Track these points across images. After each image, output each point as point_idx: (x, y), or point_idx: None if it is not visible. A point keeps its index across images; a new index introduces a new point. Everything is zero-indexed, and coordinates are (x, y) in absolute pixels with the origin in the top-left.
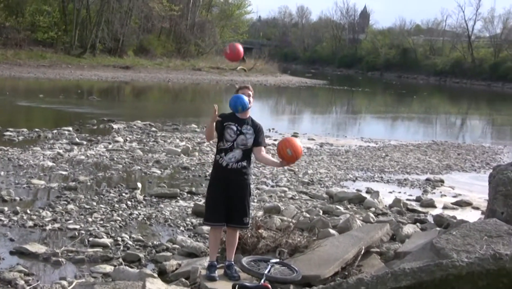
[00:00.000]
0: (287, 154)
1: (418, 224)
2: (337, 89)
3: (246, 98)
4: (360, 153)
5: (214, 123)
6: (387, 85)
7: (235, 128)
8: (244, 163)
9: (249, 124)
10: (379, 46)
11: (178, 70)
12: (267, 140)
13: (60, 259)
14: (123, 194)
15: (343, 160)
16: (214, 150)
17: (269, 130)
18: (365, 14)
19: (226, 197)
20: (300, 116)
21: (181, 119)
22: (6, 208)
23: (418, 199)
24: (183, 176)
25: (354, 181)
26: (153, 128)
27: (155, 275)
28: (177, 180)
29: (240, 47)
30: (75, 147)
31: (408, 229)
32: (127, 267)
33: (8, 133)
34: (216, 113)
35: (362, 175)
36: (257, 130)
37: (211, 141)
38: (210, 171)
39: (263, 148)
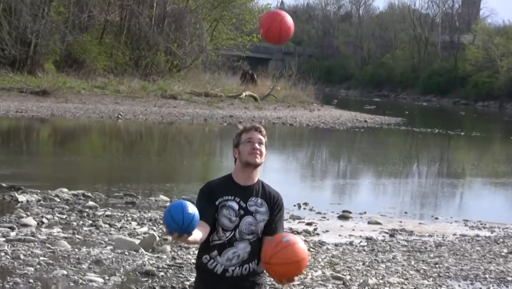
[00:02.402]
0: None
1: None
2: (420, 132)
3: (189, 208)
4: (463, 247)
5: (193, 236)
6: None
7: (236, 206)
8: (253, 265)
9: (260, 194)
10: (498, 56)
11: (136, 99)
12: (294, 225)
13: None
14: None
15: (431, 260)
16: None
17: (298, 206)
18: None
19: None
20: (354, 181)
21: (141, 186)
22: None
23: None
24: (143, 288)
25: None
26: (90, 203)
27: None
28: None
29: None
30: None
31: None
32: None
33: None
34: (173, 235)
35: (467, 288)
36: (274, 205)
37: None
38: (192, 280)
39: None
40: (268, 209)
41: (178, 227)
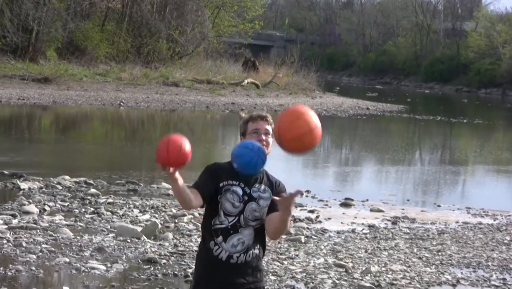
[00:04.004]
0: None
1: None
2: (423, 120)
3: (263, 150)
4: (465, 235)
5: (180, 183)
6: None
7: (240, 192)
8: (257, 251)
9: (264, 182)
10: (500, 44)
11: (138, 86)
12: (296, 212)
13: None
14: None
15: (434, 247)
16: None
17: (300, 194)
18: None
19: None
20: (357, 169)
21: (143, 174)
22: None
23: None
24: (145, 276)
25: (454, 285)
26: (92, 190)
27: None
28: (135, 283)
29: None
30: None
31: None
32: None
33: None
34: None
35: (469, 275)
36: (278, 189)
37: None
38: (193, 267)
39: None
40: (271, 194)
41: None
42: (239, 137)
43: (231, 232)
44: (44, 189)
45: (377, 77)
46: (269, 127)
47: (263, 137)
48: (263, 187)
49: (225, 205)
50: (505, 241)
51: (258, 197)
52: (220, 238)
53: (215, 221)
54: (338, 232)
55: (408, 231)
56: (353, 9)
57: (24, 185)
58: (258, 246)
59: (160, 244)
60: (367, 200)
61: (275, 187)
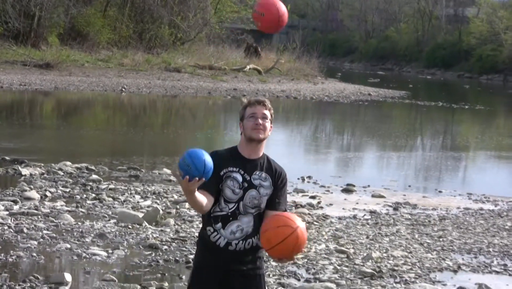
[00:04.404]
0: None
1: None
2: (424, 106)
3: (204, 158)
4: (467, 221)
5: (196, 192)
6: None
7: (240, 178)
8: (256, 240)
9: (264, 168)
10: (502, 30)
11: (140, 72)
12: (298, 198)
13: None
14: None
15: (435, 233)
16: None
17: (302, 179)
18: None
19: None
20: (358, 154)
21: (145, 159)
22: None
23: None
24: (147, 261)
25: (455, 271)
26: (94, 176)
27: None
28: (137, 269)
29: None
30: None
31: None
32: None
33: None
34: (183, 180)
35: (470, 261)
36: (278, 180)
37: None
38: (194, 253)
39: None
40: (272, 183)
41: (198, 171)
42: (239, 122)
43: (231, 218)
44: (45, 175)
45: (379, 63)
46: (266, 112)
47: (260, 121)
48: (263, 174)
49: (225, 192)
50: (506, 227)
51: (258, 185)
52: (219, 225)
53: (215, 208)
54: (339, 218)
55: (409, 217)
56: None
57: (25, 171)
58: (258, 235)
59: (161, 230)
60: (369, 185)
61: (276, 175)
